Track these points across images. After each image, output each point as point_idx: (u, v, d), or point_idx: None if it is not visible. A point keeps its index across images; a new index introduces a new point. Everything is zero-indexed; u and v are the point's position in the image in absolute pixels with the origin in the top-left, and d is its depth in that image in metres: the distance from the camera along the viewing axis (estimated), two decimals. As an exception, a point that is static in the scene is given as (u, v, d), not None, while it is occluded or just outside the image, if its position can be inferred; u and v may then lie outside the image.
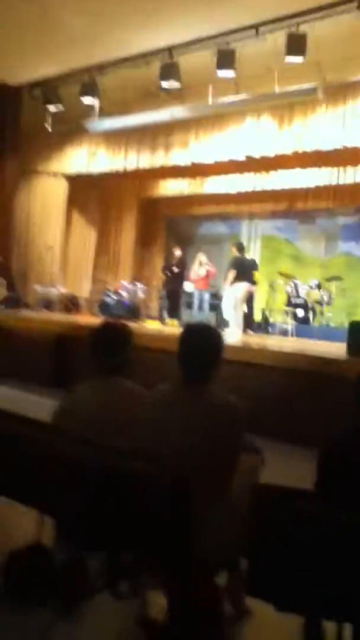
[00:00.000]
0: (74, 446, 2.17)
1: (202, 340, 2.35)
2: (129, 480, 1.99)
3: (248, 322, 10.16)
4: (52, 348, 7.26)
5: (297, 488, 1.76)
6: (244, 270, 9.25)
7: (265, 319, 10.88)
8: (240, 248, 9.63)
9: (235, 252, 9.52)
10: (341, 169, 9.51)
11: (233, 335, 8.86)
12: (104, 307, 11.34)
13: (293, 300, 11.03)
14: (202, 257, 10.44)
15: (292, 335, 9.94)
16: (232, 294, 9.30)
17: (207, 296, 10.30)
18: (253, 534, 1.80)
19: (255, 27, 7.04)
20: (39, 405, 5.54)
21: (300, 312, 10.84)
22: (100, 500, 2.03)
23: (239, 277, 9.13)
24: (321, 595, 1.69)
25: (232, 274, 9.21)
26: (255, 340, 8.58)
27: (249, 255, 11.43)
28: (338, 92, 7.41)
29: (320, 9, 6.57)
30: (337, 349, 6.80)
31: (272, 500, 1.74)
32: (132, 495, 1.98)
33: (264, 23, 6.97)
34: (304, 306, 10.89)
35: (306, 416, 5.54)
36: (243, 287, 9.20)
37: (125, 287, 11.53)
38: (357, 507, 1.75)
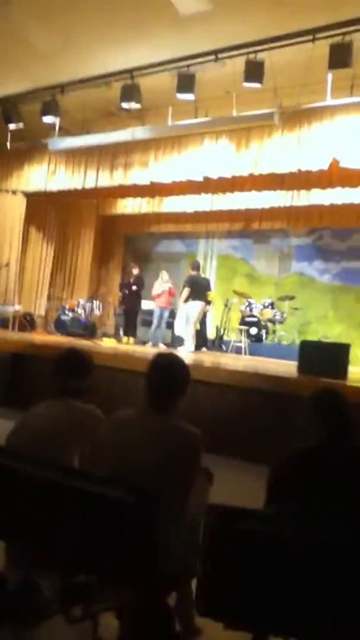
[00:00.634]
0: (27, 465, 2.15)
1: (171, 371, 2.42)
2: (86, 500, 1.99)
3: (203, 340, 10.27)
4: (6, 367, 7.15)
5: (247, 508, 1.80)
6: (199, 289, 9.41)
7: (219, 337, 11.01)
8: (197, 267, 9.78)
9: (191, 271, 9.66)
10: (295, 191, 9.76)
11: (185, 353, 8.94)
12: (60, 325, 11.25)
13: (247, 319, 11.21)
14: (164, 274, 10.51)
15: (245, 353, 10.10)
16: (186, 311, 9.43)
17: (166, 314, 10.35)
18: (204, 553, 1.83)
19: (215, 52, 7.23)
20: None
21: (253, 330, 11.02)
22: (52, 520, 2.02)
23: (193, 296, 9.28)
24: (270, 613, 1.72)
25: (186, 292, 9.34)
26: (209, 358, 8.69)
27: (204, 274, 11.61)
28: (294, 117, 7.63)
29: (278, 38, 6.79)
30: (289, 367, 6.96)
31: (222, 520, 1.77)
32: (86, 514, 1.98)
33: (224, 49, 7.16)
34: (257, 324, 11.08)
35: (258, 434, 5.63)
36: (197, 305, 9.34)
37: (81, 305, 11.48)
38: (305, 525, 1.81)
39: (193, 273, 9.66)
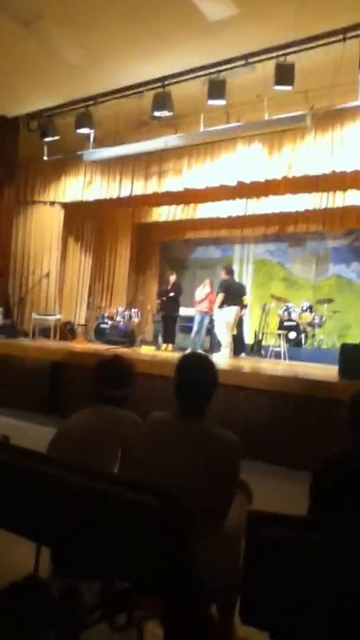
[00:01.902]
0: (68, 474, 2.17)
1: (198, 371, 2.36)
2: (124, 508, 2.00)
3: (241, 346, 10.23)
4: (47, 375, 7.27)
5: (289, 515, 1.77)
6: (233, 294, 9.36)
7: (258, 342, 10.93)
8: (230, 271, 9.72)
9: (224, 276, 9.61)
10: (330, 193, 9.65)
11: (222, 358, 8.91)
12: (99, 333, 11.38)
13: (285, 323, 11.10)
14: (206, 280, 10.52)
15: (284, 358, 9.99)
16: (222, 317, 9.39)
17: (207, 320, 10.33)
18: (248, 561, 1.81)
19: (245, 57, 7.22)
20: (34, 433, 5.54)
21: (292, 335, 10.91)
22: (92, 527, 2.03)
23: (227, 301, 9.23)
24: (315, 622, 1.70)
25: (220, 298, 9.30)
26: (248, 363, 8.63)
27: (241, 279, 11.57)
28: (326, 119, 7.56)
29: (307, 40, 6.74)
30: (329, 372, 6.85)
31: (265, 527, 1.75)
32: (126, 523, 1.98)
33: (253, 54, 7.15)
34: (296, 329, 10.97)
35: (299, 439, 5.56)
36: (232, 310, 9.29)
37: (120, 313, 11.59)
38: (350, 531, 1.77)
39: (226, 278, 9.62)
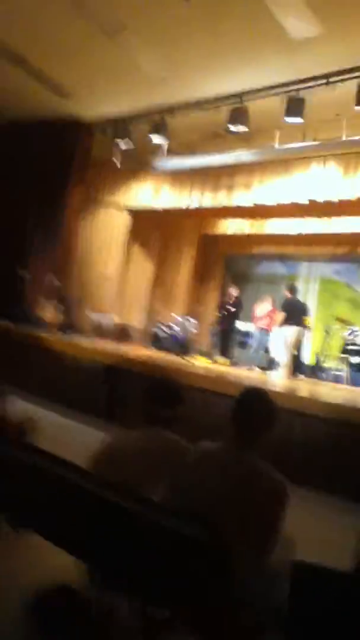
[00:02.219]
0: (111, 494, 2.17)
1: (257, 410, 2.38)
2: (166, 534, 1.97)
3: (299, 366, 10.01)
4: (101, 378, 7.34)
5: (336, 569, 1.68)
6: (294, 314, 9.16)
7: (318, 364, 10.68)
8: (293, 290, 9.53)
9: (287, 294, 9.44)
10: None
11: (280, 378, 8.75)
12: (155, 340, 11.42)
13: (349, 347, 10.78)
14: (268, 297, 10.40)
15: (346, 382, 9.71)
16: (281, 336, 9.22)
17: (266, 337, 10.19)
18: (291, 612, 1.74)
19: (326, 76, 7.10)
20: (83, 434, 5.60)
21: (355, 359, 10.58)
22: (133, 549, 2.02)
23: (288, 320, 9.04)
24: None
25: (282, 316, 9.13)
26: (306, 386, 8.42)
27: (305, 298, 11.34)
28: None
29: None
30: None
31: (311, 582, 1.68)
32: (162, 548, 1.96)
33: (335, 73, 7.01)
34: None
35: (356, 470, 5.37)
36: (293, 330, 9.09)
37: (178, 321, 11.60)
38: None
39: (288, 296, 9.44)
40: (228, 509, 2.06)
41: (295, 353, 9.55)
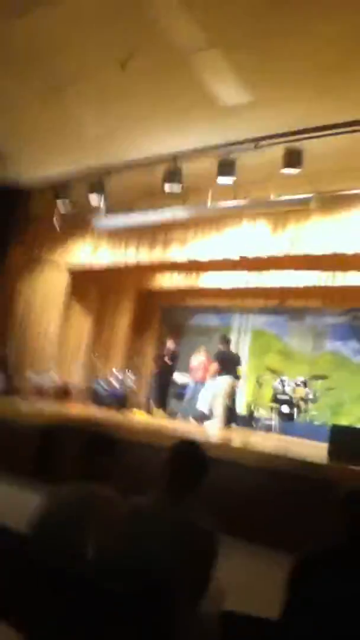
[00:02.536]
0: (49, 557, 2.13)
1: (189, 464, 2.41)
2: (103, 592, 1.95)
3: (232, 416, 10.16)
4: (37, 438, 7.17)
5: (264, 618, 1.72)
6: (227, 364, 9.40)
7: (250, 413, 10.87)
8: (225, 341, 9.79)
9: (219, 346, 9.68)
10: (330, 272, 9.84)
11: (213, 429, 8.85)
12: (93, 396, 11.30)
13: (279, 396, 11.06)
14: (201, 348, 10.57)
15: (276, 431, 9.92)
16: (214, 387, 9.39)
17: (200, 388, 10.30)
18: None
19: (256, 140, 7.53)
20: (19, 499, 5.40)
21: (285, 409, 10.85)
22: (69, 610, 1.98)
23: (221, 371, 9.26)
24: None
25: (215, 367, 9.35)
26: (238, 435, 8.54)
27: (238, 349, 11.60)
28: (331, 202, 7.81)
29: (318, 128, 7.06)
30: (320, 450, 6.77)
31: (235, 629, 1.71)
32: (105, 608, 1.93)
33: (264, 137, 7.47)
34: (290, 402, 10.92)
35: (285, 520, 5.44)
36: (226, 380, 9.30)
37: (115, 376, 11.55)
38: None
39: (221, 347, 9.68)
40: (159, 564, 2.06)
41: (229, 403, 9.71)
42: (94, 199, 8.94)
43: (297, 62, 5.96)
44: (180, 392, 11.42)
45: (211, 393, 9.60)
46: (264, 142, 7.48)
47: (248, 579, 4.16)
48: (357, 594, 1.93)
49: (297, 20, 5.37)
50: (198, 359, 10.54)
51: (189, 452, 2.48)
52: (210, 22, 5.62)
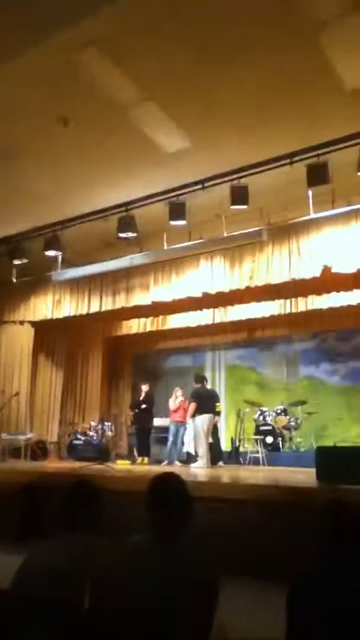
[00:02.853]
0: (39, 612, 2.09)
1: (170, 492, 2.37)
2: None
3: (218, 454, 10.10)
4: (18, 499, 7.01)
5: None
6: (205, 402, 9.42)
7: (235, 448, 10.83)
8: (200, 379, 9.84)
9: (195, 384, 9.72)
10: (292, 299, 10.05)
11: (200, 468, 8.78)
12: (72, 450, 11.14)
13: (261, 428, 11.08)
14: (178, 390, 10.56)
15: (263, 463, 9.88)
16: (195, 426, 9.37)
17: (182, 430, 10.25)
18: None
19: (202, 182, 7.79)
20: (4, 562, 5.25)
21: (269, 439, 10.86)
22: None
23: (200, 409, 9.27)
24: None
25: (192, 407, 9.36)
26: (227, 472, 8.49)
27: (214, 386, 11.64)
28: (282, 232, 8.07)
29: (257, 164, 7.34)
30: (309, 475, 6.79)
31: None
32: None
33: (209, 179, 7.72)
34: (273, 433, 10.94)
35: (280, 550, 5.40)
36: (205, 418, 9.30)
37: (93, 427, 11.44)
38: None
39: (197, 386, 9.72)
40: (161, 601, 2.04)
41: (211, 441, 9.68)
42: (50, 254, 9.07)
43: (228, 107, 6.25)
44: (163, 436, 11.34)
45: (192, 433, 9.55)
46: (209, 183, 7.73)
47: (249, 612, 4.11)
48: (349, 602, 1.98)
49: (224, 68, 5.67)
50: (175, 400, 10.53)
51: (169, 481, 2.42)
52: (144, 77, 5.88)
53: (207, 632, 2.14)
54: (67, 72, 5.77)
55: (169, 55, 5.55)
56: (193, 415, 9.41)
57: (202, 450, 9.27)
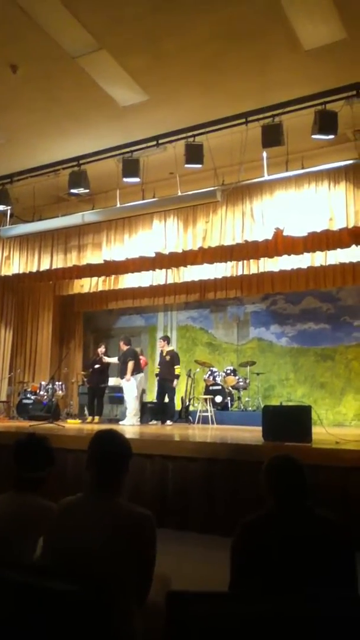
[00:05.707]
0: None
1: (109, 445, 2.38)
2: (41, 597, 1.94)
3: (169, 413, 10.28)
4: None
5: (208, 592, 1.78)
6: (138, 362, 9.88)
7: (185, 407, 11.00)
8: (128, 341, 10.13)
9: (123, 346, 10.02)
10: (245, 261, 10.10)
11: (129, 424, 9.16)
12: (22, 409, 11.06)
13: (211, 387, 11.28)
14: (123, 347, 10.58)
15: (212, 422, 10.08)
16: (134, 384, 9.75)
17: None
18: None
19: (156, 138, 7.62)
20: None
21: (218, 399, 11.08)
22: (16, 619, 1.96)
23: (136, 369, 9.67)
24: None
25: (131, 365, 9.64)
26: (176, 430, 8.64)
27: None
28: (235, 193, 8.02)
29: (213, 122, 7.22)
30: (255, 434, 6.99)
31: (183, 607, 1.74)
32: (44, 612, 1.92)
33: (164, 135, 7.56)
34: (222, 392, 11.15)
35: (227, 505, 5.59)
36: (139, 378, 9.77)
37: (43, 387, 11.35)
38: (268, 603, 1.79)
39: (126, 348, 10.04)
40: (100, 553, 2.07)
41: (167, 400, 10.05)
42: (-1, 208, 8.77)
43: (182, 60, 6.09)
44: (115, 395, 11.40)
45: (131, 391, 9.89)
46: (164, 140, 7.58)
47: (193, 564, 4.25)
48: (290, 546, 2.07)
49: (178, 19, 5.49)
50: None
51: (110, 436, 2.43)
52: (97, 24, 5.64)
53: (147, 580, 2.19)
54: (15, 14, 5.48)
55: (121, 2, 5.33)
56: (133, 374, 9.80)
57: (134, 409, 9.71)
